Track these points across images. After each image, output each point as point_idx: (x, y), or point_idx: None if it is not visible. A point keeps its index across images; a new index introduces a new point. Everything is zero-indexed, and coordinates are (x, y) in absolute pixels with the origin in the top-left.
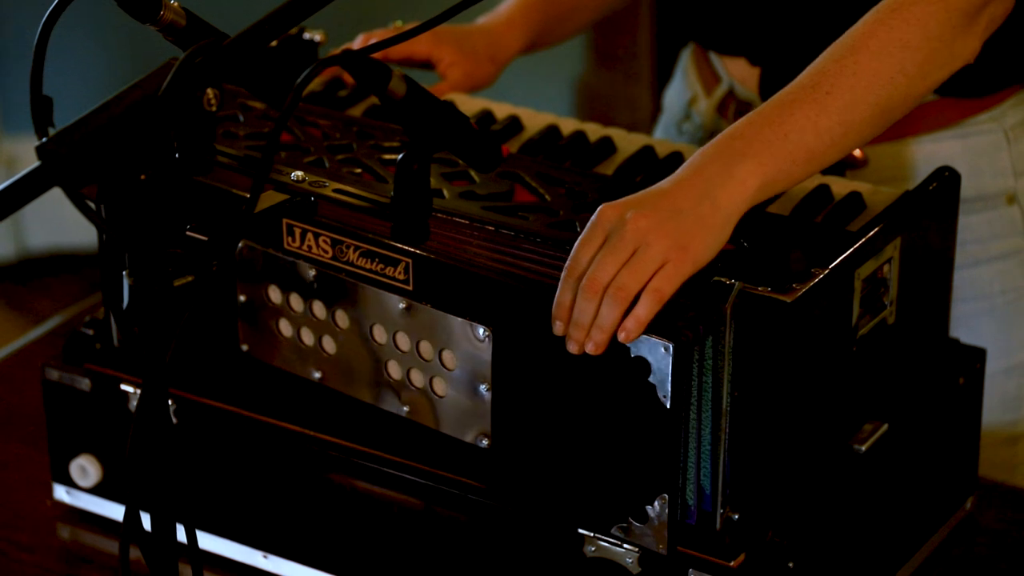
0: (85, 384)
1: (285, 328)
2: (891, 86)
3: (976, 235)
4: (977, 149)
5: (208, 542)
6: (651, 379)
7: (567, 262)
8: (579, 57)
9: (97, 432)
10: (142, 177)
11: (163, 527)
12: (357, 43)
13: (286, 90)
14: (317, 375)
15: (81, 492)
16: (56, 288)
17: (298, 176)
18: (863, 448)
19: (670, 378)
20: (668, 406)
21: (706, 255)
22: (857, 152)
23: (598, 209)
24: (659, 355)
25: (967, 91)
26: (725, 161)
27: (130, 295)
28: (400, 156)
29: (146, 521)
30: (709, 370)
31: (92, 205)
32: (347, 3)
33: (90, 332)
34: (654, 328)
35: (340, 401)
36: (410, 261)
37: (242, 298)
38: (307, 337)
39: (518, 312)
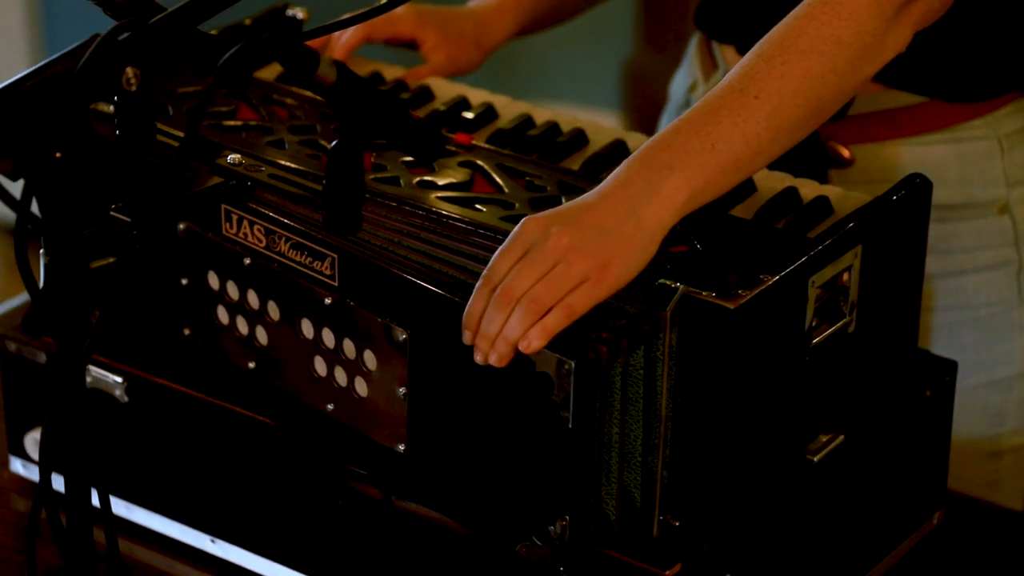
0: (41, 357)
1: (222, 315)
2: (821, 86)
3: (963, 244)
4: (969, 155)
5: (157, 523)
6: (554, 396)
7: (484, 272)
8: (628, 40)
9: None
10: (57, 155)
11: (77, 491)
12: None
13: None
14: (251, 365)
15: (36, 465)
16: None
17: (235, 159)
18: (816, 459)
19: (572, 397)
20: (570, 425)
21: (627, 275)
22: (845, 152)
23: (521, 221)
24: (562, 373)
25: (961, 96)
26: (651, 176)
27: (45, 274)
28: (332, 144)
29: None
30: (640, 379)
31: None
32: None
33: None
34: (561, 345)
35: (279, 392)
36: (336, 257)
37: (184, 281)
38: (242, 326)
39: (435, 318)
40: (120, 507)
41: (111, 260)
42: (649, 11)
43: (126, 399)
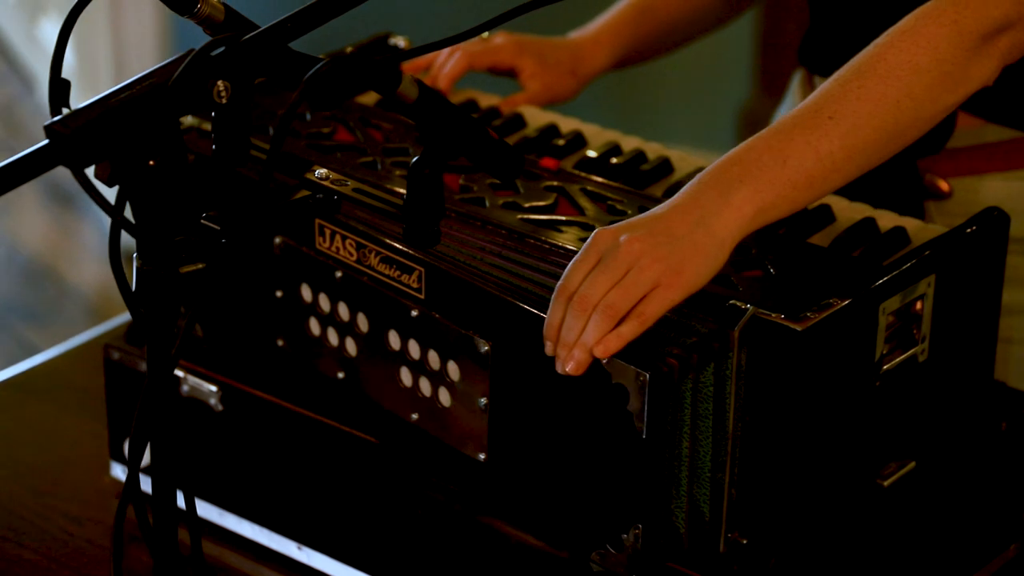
0: (143, 366)
1: (314, 327)
2: (897, 110)
3: None
4: None
5: (247, 529)
6: (629, 407)
7: (559, 282)
8: (744, 83)
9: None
10: (151, 163)
11: (163, 492)
12: (442, 57)
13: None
14: (340, 375)
15: None
16: None
17: (322, 174)
18: (886, 483)
19: (646, 408)
20: (644, 436)
21: (699, 281)
22: (943, 184)
23: (594, 232)
24: (637, 384)
25: None
26: (721, 188)
27: (137, 278)
28: (413, 160)
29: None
30: (710, 397)
31: (100, 186)
32: (432, 10)
33: None
34: (636, 357)
35: (367, 402)
36: (423, 270)
37: (278, 294)
38: (332, 337)
39: (516, 329)
40: (212, 512)
41: (200, 266)
42: (764, 55)
43: (220, 408)
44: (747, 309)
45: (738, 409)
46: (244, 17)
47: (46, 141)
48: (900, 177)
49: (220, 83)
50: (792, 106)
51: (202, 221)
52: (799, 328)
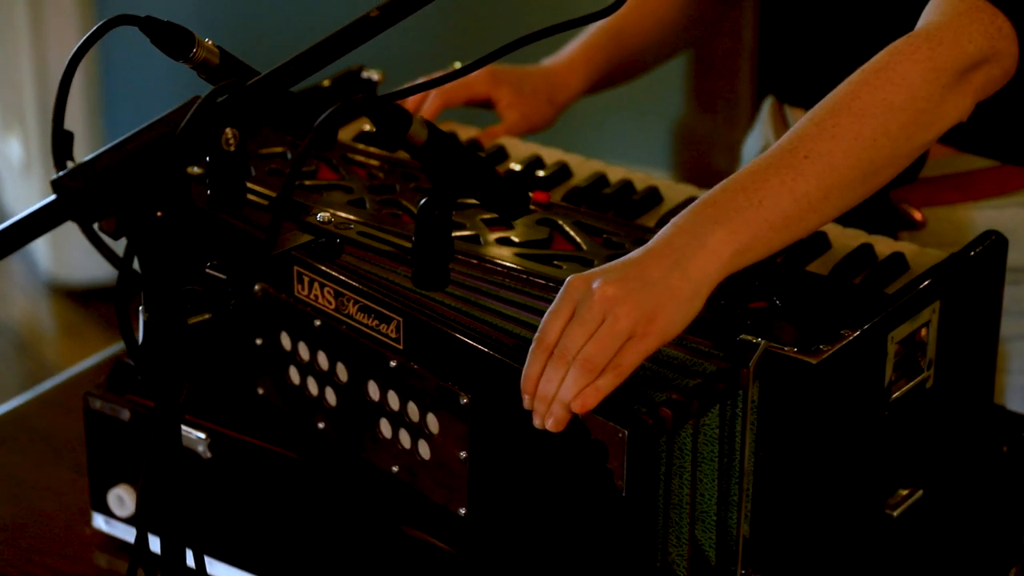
0: (125, 414)
1: (294, 376)
2: (873, 148)
3: None
4: None
5: None
6: (608, 464)
7: (536, 334)
8: (678, 100)
9: (135, 463)
10: (158, 214)
11: (172, 551)
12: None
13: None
14: (320, 425)
15: (118, 522)
16: None
17: (324, 217)
18: (895, 513)
19: (626, 465)
20: (624, 493)
21: (674, 328)
22: (917, 214)
23: (567, 280)
24: (616, 441)
25: None
26: (696, 231)
27: (144, 330)
28: (422, 201)
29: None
30: (714, 439)
31: (106, 239)
32: (404, 44)
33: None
34: (615, 413)
35: (347, 453)
36: (401, 320)
37: (258, 342)
38: (312, 387)
39: (495, 382)
40: None
41: (207, 316)
42: (699, 74)
43: (209, 455)
44: (759, 343)
45: (752, 444)
46: (239, 60)
47: (53, 196)
48: (874, 208)
49: (229, 130)
50: (762, 134)
51: (207, 271)
52: (813, 361)
